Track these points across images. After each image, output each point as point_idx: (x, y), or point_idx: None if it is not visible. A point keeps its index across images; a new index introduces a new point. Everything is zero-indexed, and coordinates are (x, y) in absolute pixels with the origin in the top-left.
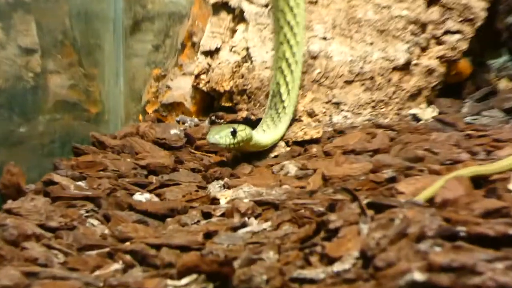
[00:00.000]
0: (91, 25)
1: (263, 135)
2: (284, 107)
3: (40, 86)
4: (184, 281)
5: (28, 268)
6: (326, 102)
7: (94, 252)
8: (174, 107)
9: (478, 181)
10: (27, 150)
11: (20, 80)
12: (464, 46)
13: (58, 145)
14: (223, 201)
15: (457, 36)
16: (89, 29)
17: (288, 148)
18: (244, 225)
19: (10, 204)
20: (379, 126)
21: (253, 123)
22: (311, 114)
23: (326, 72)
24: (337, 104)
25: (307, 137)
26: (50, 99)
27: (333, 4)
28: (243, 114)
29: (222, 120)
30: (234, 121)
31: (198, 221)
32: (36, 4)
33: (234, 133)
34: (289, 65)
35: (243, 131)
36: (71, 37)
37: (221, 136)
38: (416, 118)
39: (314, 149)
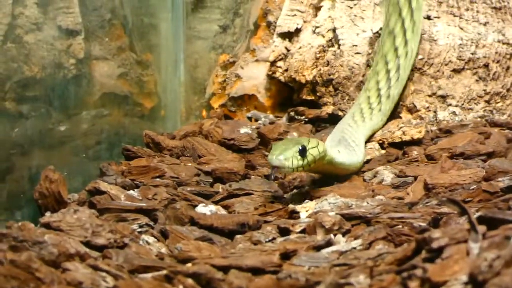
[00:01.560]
0: (145, 1)
1: (347, 155)
2: (380, 108)
3: (83, 76)
4: None
5: None
6: (430, 95)
7: (149, 275)
8: (244, 100)
9: None
10: (68, 153)
11: (60, 68)
12: None
13: (105, 146)
14: (304, 215)
15: None
16: (142, 6)
17: (383, 151)
18: (329, 243)
19: (49, 217)
20: (494, 124)
21: (339, 121)
22: (411, 110)
23: (429, 59)
24: (443, 97)
25: (406, 138)
26: (96, 91)
27: None
28: (328, 109)
29: (303, 117)
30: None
31: (274, 238)
32: None
33: (303, 152)
34: (397, 55)
35: (315, 149)
36: (121, 15)
37: (286, 157)
38: None
39: (415, 152)
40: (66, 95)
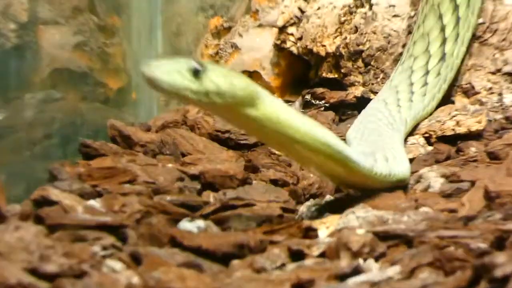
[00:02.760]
0: None
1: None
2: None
3: (27, 46)
4: None
5: None
6: (493, 72)
7: None
8: None
9: None
10: (7, 150)
11: None
12: None
13: (57, 140)
14: (323, 233)
15: None
16: None
17: (430, 148)
18: (357, 270)
19: None
20: None
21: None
22: (468, 92)
23: (493, 23)
24: (511, 74)
25: (461, 130)
26: (44, 67)
27: None
28: (357, 90)
29: (323, 101)
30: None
31: (283, 264)
32: None
33: (196, 72)
34: (456, 9)
35: (221, 77)
36: None
37: (168, 70)
38: None
39: (473, 148)
40: (4, 71)
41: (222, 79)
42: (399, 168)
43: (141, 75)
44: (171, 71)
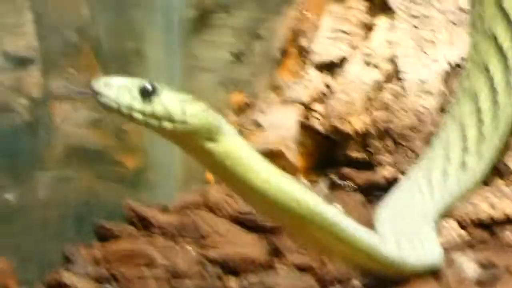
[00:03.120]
0: (127, 18)
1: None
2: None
3: (40, 122)
4: None
5: None
6: None
7: None
8: (268, 158)
9: None
10: (19, 230)
11: (7, 111)
12: None
13: (71, 221)
14: None
15: None
16: (122, 25)
17: (463, 232)
18: None
19: None
20: None
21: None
22: (502, 173)
23: None
24: None
25: (495, 214)
26: (57, 144)
27: None
28: (386, 172)
29: (350, 182)
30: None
31: None
32: None
33: (148, 92)
34: (494, 92)
35: (175, 102)
36: (93, 37)
37: (118, 87)
38: None
39: (508, 232)
40: (15, 149)
41: (175, 104)
42: (428, 255)
43: (90, 89)
44: (121, 89)
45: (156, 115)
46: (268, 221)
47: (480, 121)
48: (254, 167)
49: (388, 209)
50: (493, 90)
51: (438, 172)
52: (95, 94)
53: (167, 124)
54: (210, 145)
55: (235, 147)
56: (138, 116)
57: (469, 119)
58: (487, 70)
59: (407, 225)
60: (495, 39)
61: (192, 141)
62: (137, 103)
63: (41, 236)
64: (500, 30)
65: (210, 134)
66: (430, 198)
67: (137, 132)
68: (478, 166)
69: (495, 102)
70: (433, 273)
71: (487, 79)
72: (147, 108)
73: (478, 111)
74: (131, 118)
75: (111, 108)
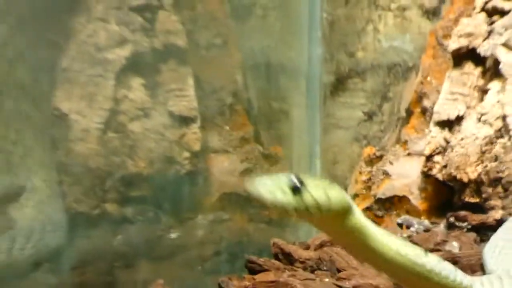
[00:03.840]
0: (275, 83)
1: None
2: None
3: (199, 172)
4: None
5: None
6: None
7: None
8: (394, 203)
9: None
10: (180, 265)
11: (171, 162)
12: None
13: (225, 257)
14: None
15: None
16: (271, 89)
17: None
18: None
19: None
20: None
21: None
22: None
23: None
24: None
25: None
26: (214, 191)
27: None
28: (497, 214)
29: (465, 223)
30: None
31: None
32: (195, 51)
33: (297, 187)
34: None
35: (319, 189)
36: (245, 99)
37: (267, 186)
38: None
39: None
40: (179, 195)
41: (320, 192)
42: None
43: (245, 190)
44: (273, 189)
45: (306, 206)
46: None
47: None
48: (385, 239)
49: (497, 245)
50: None
51: None
52: (250, 194)
53: (315, 212)
54: (346, 223)
55: (363, 221)
56: (292, 210)
57: None
58: None
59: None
60: None
61: (333, 221)
62: (290, 199)
63: (199, 270)
64: None
65: (347, 213)
66: None
67: None
68: None
69: None
70: None
71: None
72: (299, 201)
73: None
74: (285, 213)
75: (269, 208)
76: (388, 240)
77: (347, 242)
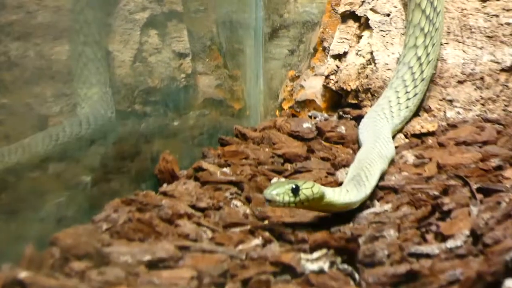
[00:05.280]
0: (235, 32)
1: (346, 195)
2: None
3: (190, 86)
4: (316, 255)
5: (181, 243)
6: (441, 100)
7: (237, 229)
8: (306, 104)
9: None
10: (179, 141)
11: (174, 80)
12: None
13: (206, 136)
14: None
15: None
16: (233, 36)
17: (407, 140)
18: (368, 206)
19: (165, 187)
20: (487, 120)
21: None
22: (427, 110)
23: (440, 73)
24: (451, 101)
25: (423, 130)
26: (199, 97)
27: (447, 13)
28: (367, 109)
29: (349, 115)
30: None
31: None
32: (187, 14)
33: (296, 191)
34: (426, 46)
35: (308, 189)
36: (218, 42)
37: (278, 193)
38: None
39: (430, 140)
40: (178, 100)
41: (308, 191)
42: (390, 151)
43: (264, 196)
44: (281, 193)
45: (302, 201)
46: (307, 135)
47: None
48: (339, 201)
49: (364, 128)
50: (425, 44)
51: (394, 103)
52: (267, 200)
53: (306, 203)
54: (324, 201)
55: (331, 197)
56: (293, 206)
57: (407, 75)
58: (421, 30)
59: (360, 177)
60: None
61: (317, 203)
62: (292, 199)
63: (190, 144)
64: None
65: (323, 197)
66: (391, 117)
67: (240, 90)
68: (416, 101)
69: (427, 53)
70: (391, 161)
71: (423, 36)
72: (297, 199)
73: (418, 59)
74: (290, 207)
75: (280, 206)
76: (342, 198)
77: (324, 209)
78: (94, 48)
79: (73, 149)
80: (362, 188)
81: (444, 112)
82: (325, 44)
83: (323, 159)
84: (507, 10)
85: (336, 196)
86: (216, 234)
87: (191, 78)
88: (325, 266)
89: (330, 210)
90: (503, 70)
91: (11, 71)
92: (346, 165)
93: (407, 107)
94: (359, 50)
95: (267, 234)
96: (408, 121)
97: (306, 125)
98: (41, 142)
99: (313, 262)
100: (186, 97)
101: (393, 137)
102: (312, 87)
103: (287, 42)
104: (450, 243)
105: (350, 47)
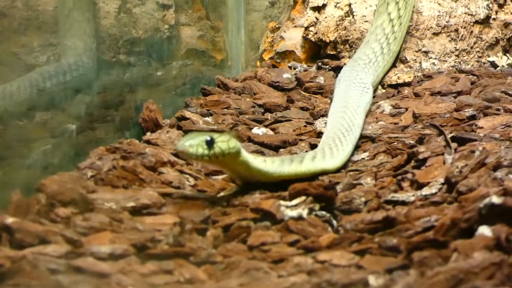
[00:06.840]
0: None
1: (262, 162)
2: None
3: (174, 37)
4: (294, 202)
5: (164, 190)
6: (417, 51)
7: (219, 177)
8: (286, 55)
9: None
10: (163, 91)
11: (157, 31)
12: None
13: (189, 86)
14: None
15: None
16: None
17: (384, 90)
18: None
19: (149, 136)
20: (461, 71)
21: None
22: (403, 61)
23: (416, 25)
24: (426, 52)
25: (400, 81)
26: (182, 48)
27: None
28: (345, 60)
29: (327, 66)
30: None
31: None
32: None
33: (210, 143)
34: (398, 11)
35: (224, 143)
36: None
37: (191, 144)
38: (493, 65)
39: (406, 91)
40: (162, 50)
41: (223, 144)
42: (367, 99)
43: (175, 148)
44: (194, 145)
45: (216, 155)
46: (287, 85)
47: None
48: (253, 164)
49: (341, 77)
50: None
51: (372, 54)
52: (179, 151)
53: (221, 157)
54: (239, 159)
55: (247, 157)
56: (207, 159)
57: (385, 24)
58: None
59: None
60: None
61: (232, 160)
62: (206, 151)
63: (173, 94)
64: None
65: (239, 154)
66: (369, 70)
67: (222, 41)
68: (394, 52)
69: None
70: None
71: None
72: (211, 152)
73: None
74: (203, 161)
75: (192, 158)
76: (257, 163)
77: (238, 171)
78: None
79: (59, 98)
80: (288, 164)
81: (420, 63)
82: None
83: (302, 108)
84: None
85: (251, 159)
86: (198, 182)
87: (174, 29)
88: (304, 213)
89: (248, 176)
90: (477, 22)
91: None
92: (325, 115)
93: (389, 50)
94: (337, 3)
95: None
96: (390, 68)
97: (286, 75)
98: (28, 84)
99: (292, 209)
100: (169, 48)
101: (375, 89)
102: (292, 38)
103: None
104: (425, 191)
105: None
